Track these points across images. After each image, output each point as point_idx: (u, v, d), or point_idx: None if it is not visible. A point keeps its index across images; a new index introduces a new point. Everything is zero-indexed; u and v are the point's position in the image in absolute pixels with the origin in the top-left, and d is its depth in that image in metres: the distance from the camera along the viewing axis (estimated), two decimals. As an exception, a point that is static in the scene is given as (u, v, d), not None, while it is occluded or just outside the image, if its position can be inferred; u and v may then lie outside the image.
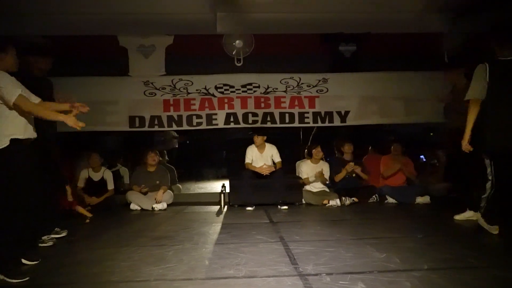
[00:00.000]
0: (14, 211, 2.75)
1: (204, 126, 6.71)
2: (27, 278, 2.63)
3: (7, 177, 2.73)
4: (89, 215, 5.37)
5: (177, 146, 9.08)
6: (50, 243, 3.66)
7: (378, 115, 6.81)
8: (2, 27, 6.60)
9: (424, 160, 8.20)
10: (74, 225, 4.54)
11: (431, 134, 10.17)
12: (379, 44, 6.56)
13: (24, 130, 2.85)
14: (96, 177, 6.10)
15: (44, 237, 3.69)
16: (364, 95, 6.75)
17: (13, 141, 2.76)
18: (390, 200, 6.16)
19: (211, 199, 6.59)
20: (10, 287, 2.55)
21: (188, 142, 10.01)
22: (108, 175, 6.17)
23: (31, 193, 2.88)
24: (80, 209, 5.40)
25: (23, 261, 2.94)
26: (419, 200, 5.97)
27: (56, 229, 4.01)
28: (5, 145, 2.73)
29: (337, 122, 6.78)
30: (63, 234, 4.05)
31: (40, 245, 3.61)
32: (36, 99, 3.02)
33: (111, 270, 2.82)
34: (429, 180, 6.89)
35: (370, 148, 7.32)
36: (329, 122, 6.78)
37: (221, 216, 5.31)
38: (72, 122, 2.86)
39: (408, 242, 3.47)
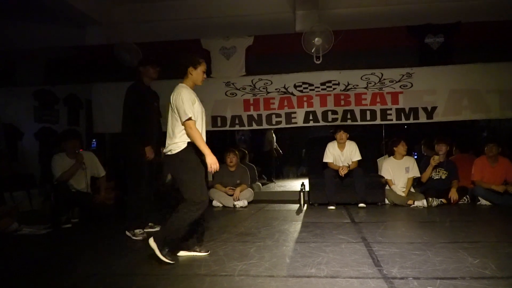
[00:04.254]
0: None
1: (283, 125, 6.77)
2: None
3: (188, 172, 3.03)
4: None
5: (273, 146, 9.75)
6: (140, 238, 3.90)
7: (469, 110, 6.34)
8: (98, 35, 7.30)
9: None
10: (164, 220, 4.82)
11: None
12: (471, 34, 6.08)
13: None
14: (182, 174, 6.43)
15: (137, 231, 3.97)
16: (454, 89, 6.31)
17: (189, 143, 3.08)
18: (484, 202, 5.69)
19: (291, 197, 6.63)
20: (114, 274, 2.81)
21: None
22: (193, 173, 6.46)
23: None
24: None
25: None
26: (519, 202, 5.45)
27: (150, 223, 4.31)
28: (184, 147, 3.06)
29: (422, 118, 6.43)
30: (157, 229, 4.28)
31: (133, 238, 3.91)
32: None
33: (198, 263, 2.97)
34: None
35: (454, 148, 6.79)
36: (414, 119, 6.46)
37: (301, 215, 5.32)
38: (212, 163, 3.01)
39: (506, 248, 3.19)
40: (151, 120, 4.21)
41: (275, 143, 9.96)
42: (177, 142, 3.07)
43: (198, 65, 3.20)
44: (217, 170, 3.05)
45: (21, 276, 2.88)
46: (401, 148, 5.96)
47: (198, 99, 3.22)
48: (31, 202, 6.00)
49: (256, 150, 10.52)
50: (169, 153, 3.11)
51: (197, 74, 3.21)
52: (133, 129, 4.04)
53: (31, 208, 5.92)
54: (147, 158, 4.01)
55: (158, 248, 2.93)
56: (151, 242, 2.95)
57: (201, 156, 3.07)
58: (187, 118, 2.99)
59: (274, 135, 9.91)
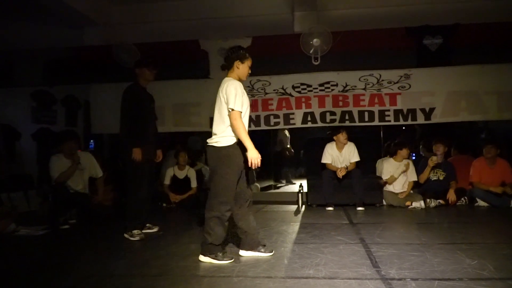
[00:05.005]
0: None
1: (281, 126, 6.79)
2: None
3: (230, 170, 3.03)
4: None
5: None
6: (138, 238, 3.91)
7: (467, 111, 6.35)
8: (96, 36, 7.29)
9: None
10: (161, 221, 4.82)
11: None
12: (469, 36, 6.10)
13: None
14: (180, 175, 6.42)
15: (135, 232, 3.96)
16: (452, 90, 6.32)
17: (238, 141, 3.08)
18: (481, 203, 5.69)
19: (289, 198, 6.62)
20: (111, 275, 2.80)
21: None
22: (192, 174, 6.46)
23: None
24: None
25: None
26: (517, 203, 5.45)
27: (148, 224, 4.30)
28: (231, 144, 3.07)
29: (420, 119, 6.44)
30: (155, 230, 4.31)
31: (131, 239, 3.90)
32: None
33: (196, 264, 2.97)
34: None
35: (452, 149, 6.79)
36: (412, 120, 6.47)
37: (299, 216, 5.31)
38: (254, 158, 2.98)
39: (504, 249, 3.20)
40: (148, 121, 4.21)
41: (288, 143, 9.69)
42: (226, 136, 3.07)
43: (245, 60, 3.21)
44: (258, 166, 2.99)
45: (19, 277, 2.87)
46: (405, 152, 5.99)
47: (245, 92, 3.21)
48: (29, 203, 5.98)
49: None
50: (214, 144, 3.09)
51: (243, 68, 3.22)
52: (130, 131, 4.03)
53: (29, 209, 5.90)
54: (134, 158, 3.95)
55: (212, 258, 2.99)
56: (202, 258, 3.03)
57: (244, 156, 3.06)
58: (234, 109, 2.99)
59: (288, 134, 9.59)
